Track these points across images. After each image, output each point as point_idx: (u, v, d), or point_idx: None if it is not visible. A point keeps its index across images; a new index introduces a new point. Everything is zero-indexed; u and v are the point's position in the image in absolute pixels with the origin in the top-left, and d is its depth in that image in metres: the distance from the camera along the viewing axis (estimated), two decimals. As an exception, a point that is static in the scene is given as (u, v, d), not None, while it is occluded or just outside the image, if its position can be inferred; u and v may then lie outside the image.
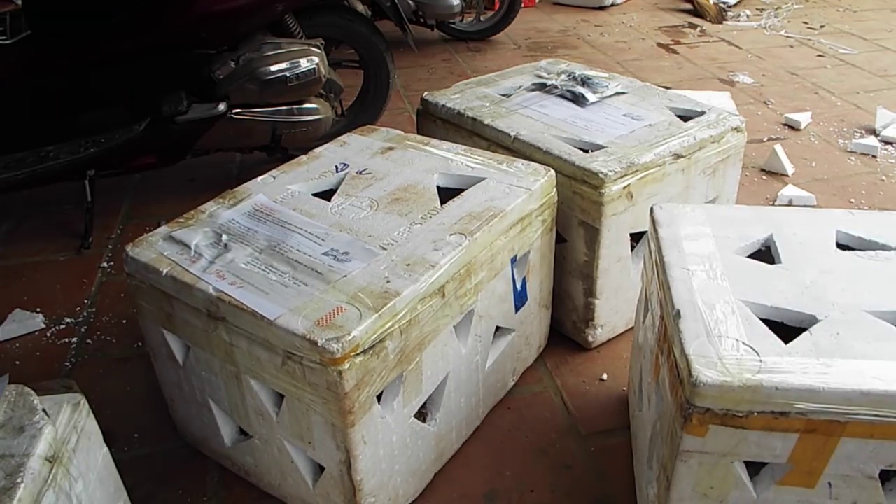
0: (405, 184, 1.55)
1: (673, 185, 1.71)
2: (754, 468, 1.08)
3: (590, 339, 1.80)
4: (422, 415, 1.41)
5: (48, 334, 1.96)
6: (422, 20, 3.87)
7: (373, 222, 1.41)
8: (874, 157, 2.82)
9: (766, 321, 1.10)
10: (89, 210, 2.36)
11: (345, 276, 1.24)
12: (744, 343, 1.04)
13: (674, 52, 4.10)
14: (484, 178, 1.55)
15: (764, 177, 2.69)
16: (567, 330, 1.85)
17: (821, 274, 1.19)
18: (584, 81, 2.02)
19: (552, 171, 1.58)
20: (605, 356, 1.83)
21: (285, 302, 1.18)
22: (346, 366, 1.12)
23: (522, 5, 4.37)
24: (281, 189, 1.54)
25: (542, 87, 2.03)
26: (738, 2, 4.93)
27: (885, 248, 1.27)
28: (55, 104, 2.28)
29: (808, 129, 3.06)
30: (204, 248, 1.34)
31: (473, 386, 1.52)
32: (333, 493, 1.31)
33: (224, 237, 1.37)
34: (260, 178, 1.59)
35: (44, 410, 0.96)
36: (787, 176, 2.68)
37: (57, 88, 2.24)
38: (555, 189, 1.59)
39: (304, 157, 1.69)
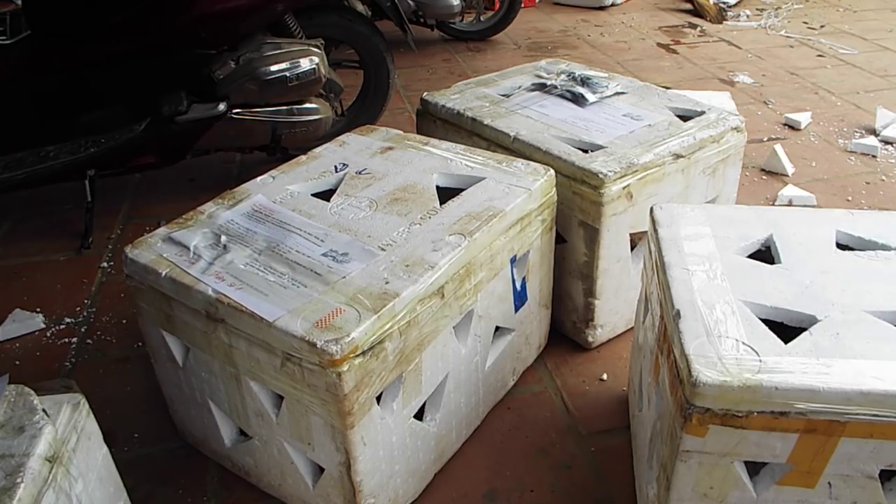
0: (404, 184, 1.54)
1: (673, 186, 1.71)
2: (754, 468, 1.08)
3: (590, 339, 1.80)
4: (421, 415, 1.41)
5: (48, 334, 1.96)
6: (422, 20, 3.87)
7: (372, 223, 1.41)
8: (874, 157, 2.81)
9: (765, 321, 1.10)
10: (89, 210, 2.36)
11: (344, 277, 1.24)
12: (744, 343, 1.04)
13: (674, 52, 4.10)
14: (483, 178, 1.54)
15: (764, 177, 2.69)
16: (567, 330, 1.85)
17: (820, 274, 1.19)
18: (584, 81, 2.01)
19: (552, 171, 1.58)
20: (605, 356, 1.82)
21: (284, 303, 1.18)
22: (346, 367, 1.12)
23: (522, 5, 4.37)
24: (280, 189, 1.54)
25: (541, 88, 2.03)
26: (738, 2, 4.93)
27: (885, 248, 1.27)
28: (55, 104, 2.28)
29: (808, 129, 3.06)
30: (203, 249, 1.34)
31: (473, 386, 1.52)
32: (333, 494, 1.30)
33: (223, 238, 1.37)
34: (259, 179, 1.59)
35: (44, 410, 0.96)
36: (787, 176, 2.67)
37: (57, 88, 2.24)
38: (554, 189, 1.59)
39: (303, 158, 1.68)
